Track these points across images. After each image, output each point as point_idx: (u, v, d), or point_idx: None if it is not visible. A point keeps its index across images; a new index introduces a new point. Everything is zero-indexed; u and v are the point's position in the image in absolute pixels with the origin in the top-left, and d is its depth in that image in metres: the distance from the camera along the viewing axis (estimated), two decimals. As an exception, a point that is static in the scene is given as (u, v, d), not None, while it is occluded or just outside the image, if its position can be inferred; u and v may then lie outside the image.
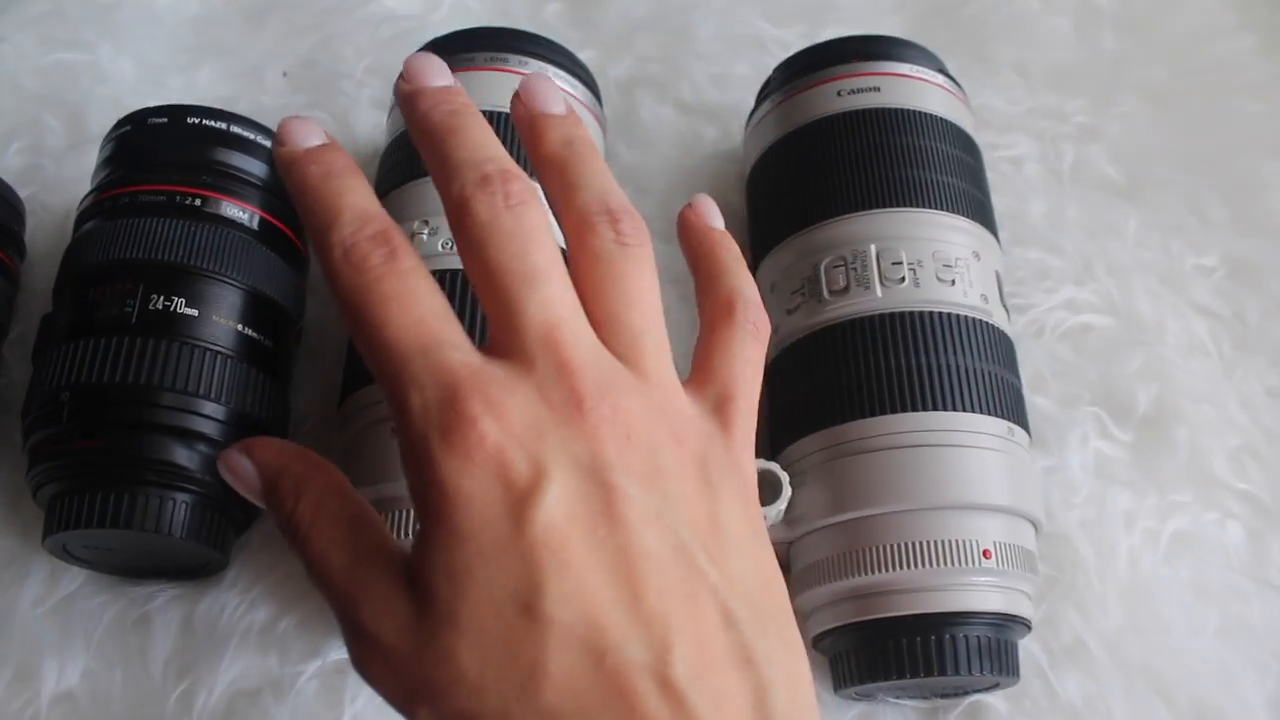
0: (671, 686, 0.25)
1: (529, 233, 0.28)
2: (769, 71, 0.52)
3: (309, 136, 0.30)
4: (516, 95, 0.32)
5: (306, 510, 0.29)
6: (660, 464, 0.27)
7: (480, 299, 0.29)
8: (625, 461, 0.27)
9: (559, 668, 0.25)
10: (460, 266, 0.30)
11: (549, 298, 0.28)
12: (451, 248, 0.42)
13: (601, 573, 0.26)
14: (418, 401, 0.26)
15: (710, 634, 0.26)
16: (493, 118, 0.46)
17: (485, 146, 0.30)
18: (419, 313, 0.27)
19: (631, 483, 0.27)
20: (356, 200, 0.29)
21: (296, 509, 0.29)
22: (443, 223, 0.43)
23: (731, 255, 0.34)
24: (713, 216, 0.35)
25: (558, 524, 0.26)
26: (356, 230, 0.28)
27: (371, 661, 0.27)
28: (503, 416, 0.26)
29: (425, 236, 0.43)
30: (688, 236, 0.35)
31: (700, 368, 0.32)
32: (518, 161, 0.30)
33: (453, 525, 0.26)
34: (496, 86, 0.47)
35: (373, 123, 0.58)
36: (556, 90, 0.32)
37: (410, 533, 0.39)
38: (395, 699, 0.27)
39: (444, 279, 0.42)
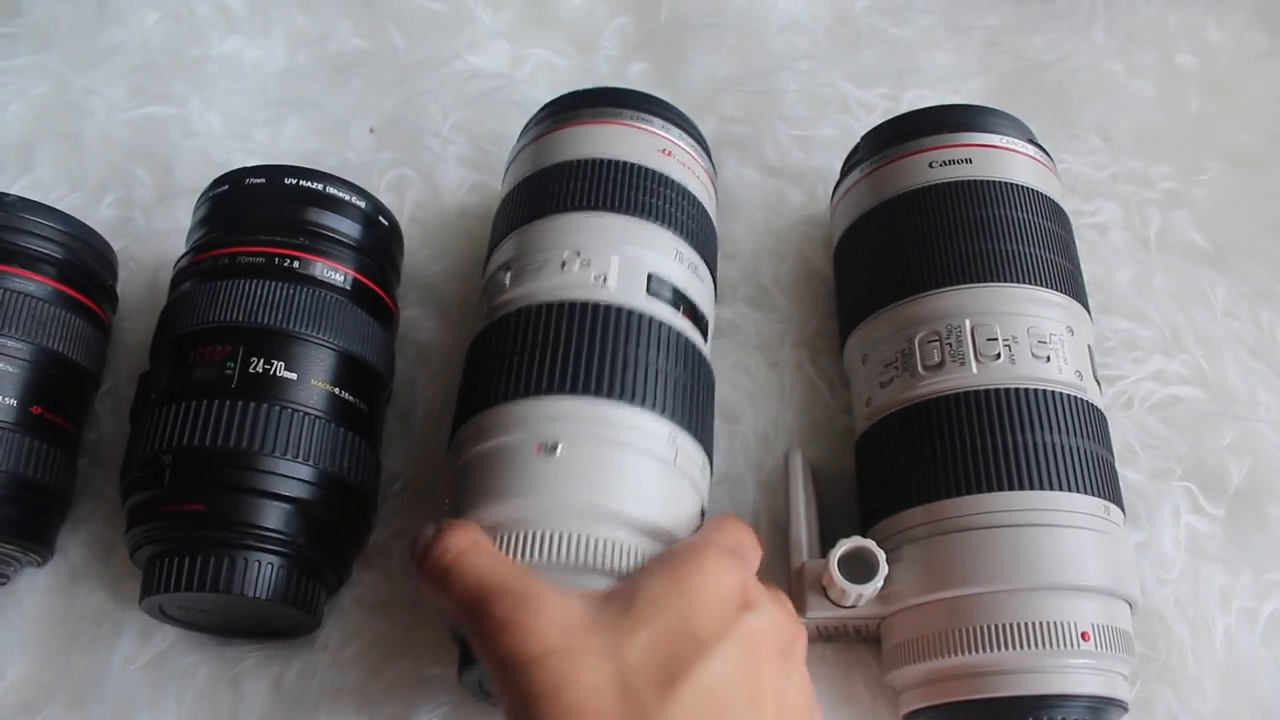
0: None
1: None
2: (852, 133, 0.52)
3: None
4: None
5: (456, 542, 0.36)
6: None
7: None
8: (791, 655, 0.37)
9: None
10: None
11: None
12: (604, 281, 0.43)
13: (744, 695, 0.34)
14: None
15: None
16: (621, 168, 0.46)
17: None
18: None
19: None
20: None
21: (447, 542, 0.36)
22: (595, 255, 0.43)
23: None
24: None
25: (757, 634, 0.35)
26: None
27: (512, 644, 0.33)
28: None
29: (577, 268, 0.43)
30: None
31: None
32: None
33: (686, 571, 0.35)
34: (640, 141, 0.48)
35: (458, 180, 0.58)
36: None
37: (523, 553, 0.38)
38: (502, 656, 0.33)
39: (595, 311, 0.42)
